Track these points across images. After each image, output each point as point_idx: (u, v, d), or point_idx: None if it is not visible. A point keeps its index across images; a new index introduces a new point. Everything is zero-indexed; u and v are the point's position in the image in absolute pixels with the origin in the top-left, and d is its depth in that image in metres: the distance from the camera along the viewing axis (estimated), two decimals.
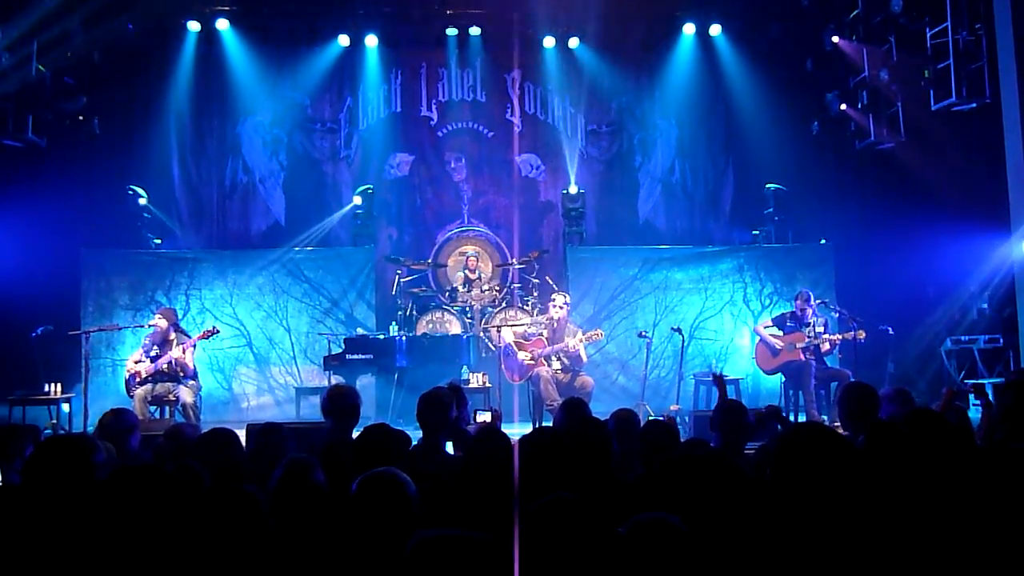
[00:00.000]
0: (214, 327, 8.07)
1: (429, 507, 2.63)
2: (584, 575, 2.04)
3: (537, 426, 7.55)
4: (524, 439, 3.06)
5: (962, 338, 9.20)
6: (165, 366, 7.58)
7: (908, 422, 3.19)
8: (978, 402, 4.82)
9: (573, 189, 10.71)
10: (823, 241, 10.27)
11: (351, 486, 2.48)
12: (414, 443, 4.16)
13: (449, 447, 4.24)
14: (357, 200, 10.29)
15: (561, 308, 8.08)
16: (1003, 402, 3.53)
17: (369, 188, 10.42)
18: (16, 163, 9.20)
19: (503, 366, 8.21)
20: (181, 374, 7.63)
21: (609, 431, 3.57)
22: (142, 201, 9.95)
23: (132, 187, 9.92)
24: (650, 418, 4.32)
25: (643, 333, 8.63)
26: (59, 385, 8.00)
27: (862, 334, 7.97)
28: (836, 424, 5.43)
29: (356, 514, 2.38)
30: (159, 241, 10.27)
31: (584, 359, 8.08)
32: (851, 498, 2.29)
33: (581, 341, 7.90)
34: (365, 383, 8.63)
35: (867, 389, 4.12)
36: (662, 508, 2.38)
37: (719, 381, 5.52)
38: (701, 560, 2.14)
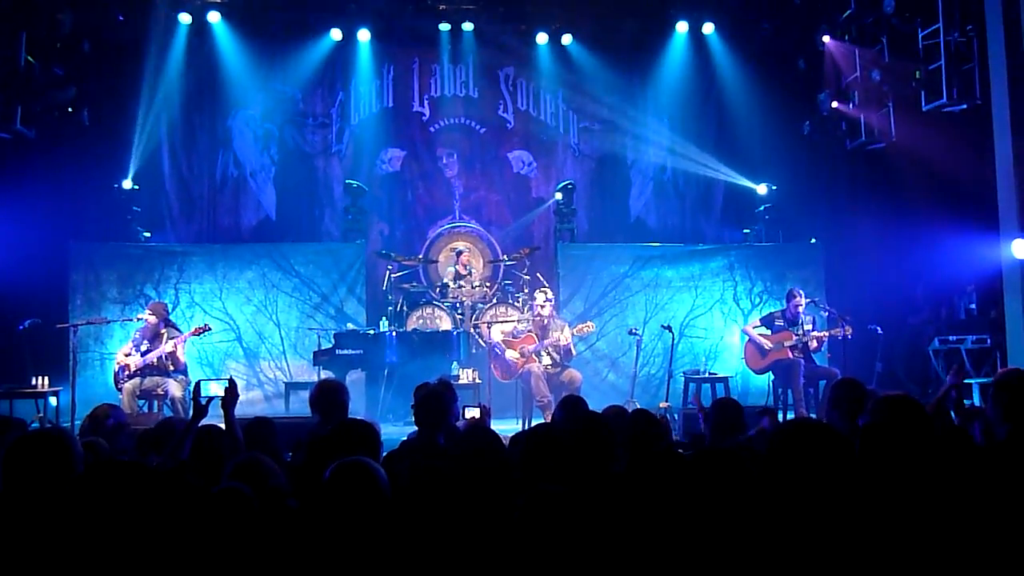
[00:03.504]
0: (206, 324, 8.02)
1: (424, 500, 2.63)
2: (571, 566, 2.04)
3: (526, 423, 7.57)
4: (519, 436, 3.07)
5: (950, 338, 9.23)
6: (155, 360, 7.54)
7: (885, 411, 3.22)
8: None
9: (564, 186, 10.69)
10: (813, 240, 10.31)
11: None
12: (404, 438, 4.16)
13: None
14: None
15: (544, 305, 8.07)
16: (1001, 401, 3.50)
17: (362, 188, 10.38)
18: (4, 154, 9.11)
19: (492, 364, 8.20)
20: (171, 368, 7.59)
21: (609, 427, 3.55)
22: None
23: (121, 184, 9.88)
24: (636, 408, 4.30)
25: (633, 330, 8.63)
26: (46, 379, 7.89)
27: (849, 330, 8.01)
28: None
29: (328, 503, 2.37)
30: (148, 234, 10.21)
31: (573, 353, 8.09)
32: (846, 494, 2.29)
33: (572, 334, 7.91)
34: (355, 378, 8.61)
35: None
36: (649, 502, 2.38)
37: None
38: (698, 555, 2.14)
